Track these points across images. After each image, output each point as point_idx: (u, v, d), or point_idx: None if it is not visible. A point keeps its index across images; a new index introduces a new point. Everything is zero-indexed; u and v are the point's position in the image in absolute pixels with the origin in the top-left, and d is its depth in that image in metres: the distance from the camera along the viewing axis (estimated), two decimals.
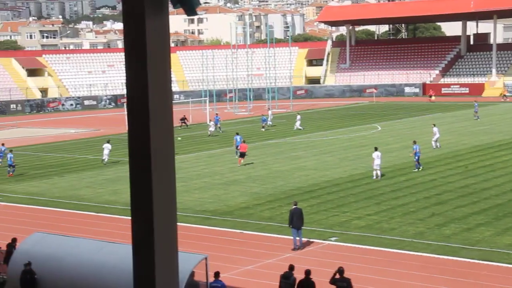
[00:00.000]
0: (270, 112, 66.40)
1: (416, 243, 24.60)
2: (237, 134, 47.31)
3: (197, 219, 29.34)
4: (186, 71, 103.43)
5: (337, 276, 18.03)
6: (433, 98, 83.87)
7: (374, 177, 36.36)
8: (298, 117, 60.87)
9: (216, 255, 23.06)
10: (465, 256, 22.91)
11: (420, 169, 38.13)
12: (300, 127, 59.47)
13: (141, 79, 3.22)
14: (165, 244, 3.41)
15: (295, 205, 24.86)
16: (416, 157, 38.30)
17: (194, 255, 18.39)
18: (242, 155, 42.66)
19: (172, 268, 3.48)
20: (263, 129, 60.04)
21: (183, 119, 64.69)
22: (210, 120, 60.66)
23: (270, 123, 63.51)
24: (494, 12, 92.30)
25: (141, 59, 3.16)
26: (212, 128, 58.20)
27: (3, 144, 47.12)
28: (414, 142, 39.43)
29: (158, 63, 3.21)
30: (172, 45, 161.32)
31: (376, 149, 37.37)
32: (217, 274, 18.19)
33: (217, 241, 25.88)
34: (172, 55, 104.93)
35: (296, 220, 24.27)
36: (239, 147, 44.05)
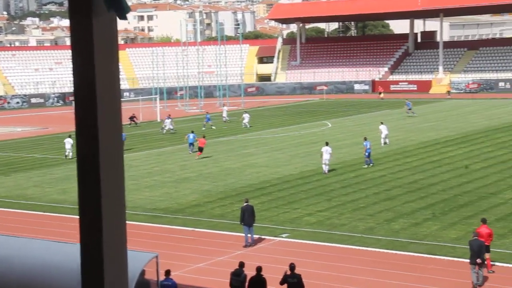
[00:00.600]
0: (225, 108, 66.69)
1: (366, 238, 24.94)
2: (192, 132, 47.80)
3: (148, 217, 29.17)
4: (136, 68, 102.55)
5: (288, 272, 18.16)
6: (382, 95, 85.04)
7: (325, 172, 36.86)
8: (246, 115, 60.57)
9: (167, 253, 22.95)
10: (413, 251, 23.35)
11: (370, 166, 38.65)
12: (247, 125, 59.34)
13: (88, 77, 3.21)
14: (114, 243, 3.41)
15: (247, 202, 24.92)
16: (367, 153, 38.81)
17: (145, 254, 18.28)
18: (201, 149, 44.02)
19: (121, 267, 3.48)
20: (204, 128, 59.07)
21: (132, 118, 64.17)
22: (167, 116, 59.83)
23: (227, 118, 64.62)
24: (440, 10, 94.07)
25: (88, 57, 3.15)
26: (169, 126, 57.42)
27: None
28: (365, 139, 39.92)
29: (105, 60, 3.20)
30: (121, 42, 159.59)
31: (326, 144, 38.04)
32: (167, 273, 18.14)
33: (168, 239, 25.79)
34: (122, 53, 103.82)
35: (247, 217, 24.33)
36: (195, 143, 45.54)
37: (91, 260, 3.25)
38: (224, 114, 65.35)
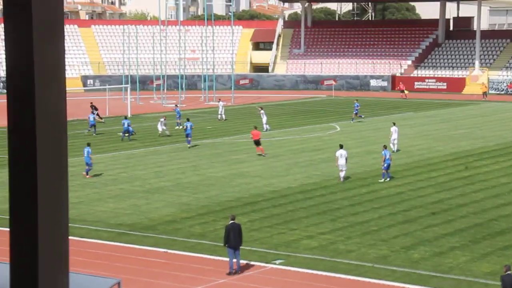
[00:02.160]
0: (221, 103, 66.79)
1: (378, 268, 24.91)
2: (188, 120, 51.31)
3: (111, 235, 29.11)
4: (103, 51, 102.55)
5: None
6: (406, 93, 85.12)
7: (341, 179, 38.46)
8: (262, 111, 59.49)
9: (132, 279, 22.91)
10: (436, 286, 23.33)
11: (387, 180, 38.71)
12: (267, 127, 58.26)
13: (24, 59, 3.13)
14: (53, 265, 3.34)
15: (233, 219, 24.91)
16: (386, 165, 38.92)
17: (104, 279, 18.26)
18: (257, 143, 46.86)
19: None
20: (177, 127, 58.70)
21: (93, 107, 62.90)
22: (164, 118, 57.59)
23: (223, 116, 65.28)
24: None
25: (26, 33, 3.07)
26: (162, 127, 55.26)
27: None
28: (385, 147, 40.03)
29: (48, 38, 3.12)
30: (85, 17, 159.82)
31: (341, 146, 39.40)
32: None
33: (135, 262, 25.72)
34: (86, 30, 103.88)
35: (233, 238, 24.30)
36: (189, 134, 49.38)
37: (22, 283, 3.21)
38: (221, 111, 65.36)
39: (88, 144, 41.42)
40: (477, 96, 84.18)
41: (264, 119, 58.68)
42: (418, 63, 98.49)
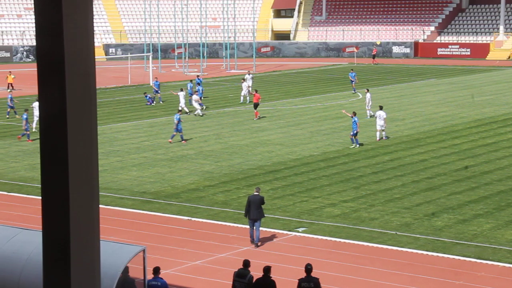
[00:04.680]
0: (248, 76, 60.87)
1: (401, 236, 24.98)
2: (199, 84, 55.79)
3: (135, 202, 29.37)
4: (125, 19, 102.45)
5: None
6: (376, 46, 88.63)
7: (378, 139, 40.81)
8: (246, 82, 57.39)
9: (157, 247, 23.13)
10: (459, 254, 23.36)
11: (356, 147, 38.71)
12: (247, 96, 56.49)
13: (54, 26, 3.14)
14: (84, 232, 3.37)
15: (257, 192, 24.35)
16: (354, 132, 38.96)
17: (129, 247, 18.45)
18: (256, 106, 48.25)
19: (92, 259, 3.46)
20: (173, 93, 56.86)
21: None
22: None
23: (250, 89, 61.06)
24: None
25: (54, 3, 3.08)
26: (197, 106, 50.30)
27: None
28: (354, 114, 39.71)
29: (76, 5, 3.13)
30: None
31: (381, 108, 41.46)
32: (156, 270, 18.25)
33: (159, 230, 25.95)
34: None
35: (252, 211, 23.92)
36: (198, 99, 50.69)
37: (54, 253, 3.20)
38: (250, 83, 60.04)
39: (179, 111, 43.40)
40: (499, 62, 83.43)
41: (244, 90, 56.35)
42: (442, 29, 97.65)
